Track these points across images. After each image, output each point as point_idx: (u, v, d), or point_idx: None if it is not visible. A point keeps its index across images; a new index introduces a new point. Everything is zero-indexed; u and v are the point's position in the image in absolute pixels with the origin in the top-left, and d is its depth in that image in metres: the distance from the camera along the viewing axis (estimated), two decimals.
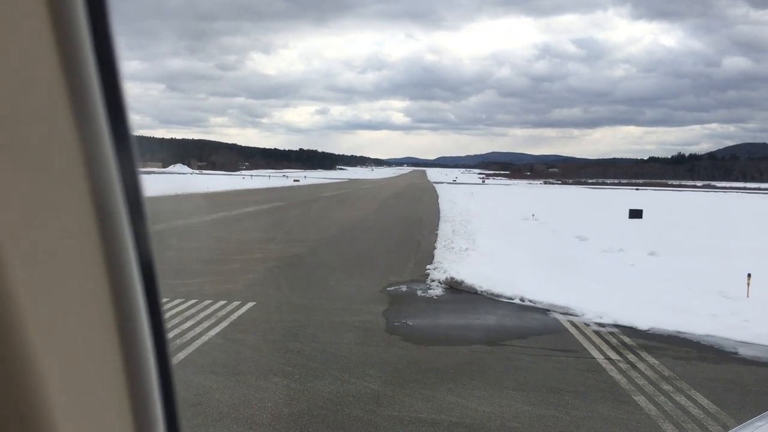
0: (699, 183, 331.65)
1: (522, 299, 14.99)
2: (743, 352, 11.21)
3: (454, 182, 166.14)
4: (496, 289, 15.92)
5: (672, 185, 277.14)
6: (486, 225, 34.24)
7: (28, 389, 0.76)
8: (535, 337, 11.88)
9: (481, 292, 15.96)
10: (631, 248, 24.22)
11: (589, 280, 17.17)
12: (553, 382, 9.28)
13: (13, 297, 0.73)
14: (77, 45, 0.80)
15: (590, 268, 19.44)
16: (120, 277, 0.88)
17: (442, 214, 43.38)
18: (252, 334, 11.46)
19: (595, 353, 10.81)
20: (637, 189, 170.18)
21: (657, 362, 10.35)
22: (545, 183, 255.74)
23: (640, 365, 10.16)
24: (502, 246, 24.48)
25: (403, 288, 16.35)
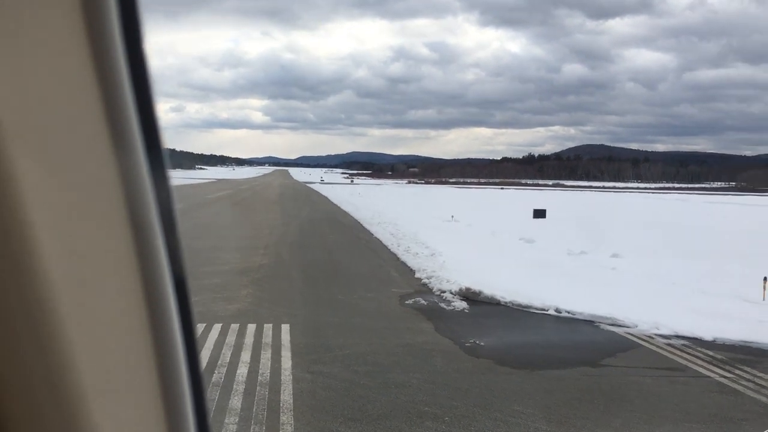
0: (550, 182, 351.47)
1: (558, 310, 14.30)
2: None
3: (322, 182, 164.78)
4: (519, 299, 15.15)
5: (527, 184, 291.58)
6: (417, 227, 33.47)
7: (69, 395, 0.79)
8: (622, 355, 11.18)
9: (505, 303, 15.14)
10: (591, 250, 24.37)
11: (599, 287, 16.82)
12: (710, 408, 8.58)
13: (52, 306, 0.76)
14: (111, 57, 0.81)
15: (581, 274, 19.19)
16: (153, 289, 0.88)
17: (356, 216, 42.26)
18: (329, 365, 9.94)
19: (703, 371, 10.27)
20: (502, 188, 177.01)
21: None
22: (410, 182, 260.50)
23: (761, 381, 9.72)
24: (463, 250, 23.80)
25: (422, 301, 15.21)
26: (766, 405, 8.81)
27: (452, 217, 41.59)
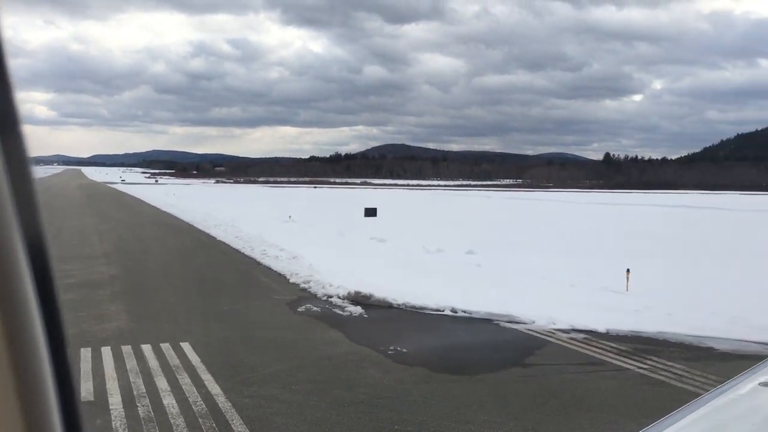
0: (357, 180, 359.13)
1: (454, 310, 14.32)
2: (714, 345, 12.04)
3: (123, 182, 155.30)
4: (412, 300, 15.00)
5: (336, 182, 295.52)
6: (258, 229, 32.36)
7: None
8: (539, 353, 11.35)
9: (398, 305, 14.91)
10: (446, 248, 24.92)
11: (477, 285, 17.13)
12: (655, 401, 8.90)
13: None
14: None
15: (452, 272, 19.49)
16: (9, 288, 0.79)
17: (186, 219, 40.11)
18: (262, 386, 9.06)
19: (621, 364, 10.68)
20: (315, 187, 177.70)
21: (683, 366, 10.57)
22: (218, 182, 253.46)
23: (677, 370, 10.29)
24: (321, 252, 23.27)
25: (314, 308, 14.53)
26: (695, 393, 9.31)
27: (290, 217, 40.83)
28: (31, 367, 0.82)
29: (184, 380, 9.22)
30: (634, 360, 10.88)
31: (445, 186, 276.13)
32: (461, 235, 31.21)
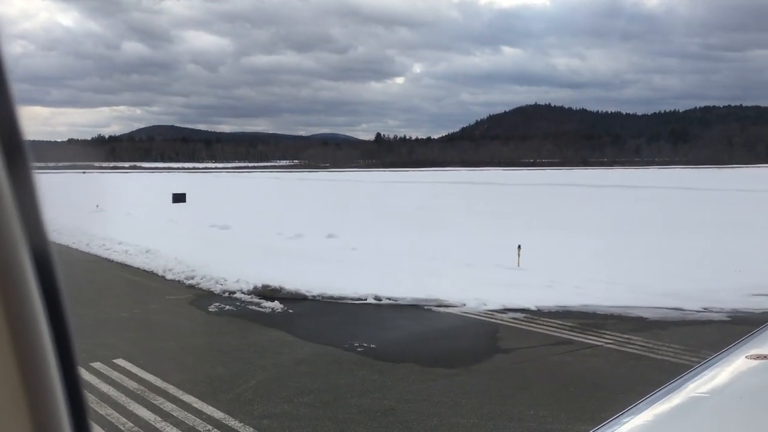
0: (126, 164, 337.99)
1: (377, 298, 13.68)
2: (641, 314, 12.68)
3: None
4: (327, 291, 14.12)
5: (104, 167, 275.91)
6: (71, 220, 28.76)
7: None
8: (503, 336, 11.12)
9: (313, 297, 13.95)
10: (303, 233, 23.99)
11: (376, 270, 16.59)
12: (660, 376, 9.06)
13: None
14: None
15: (333, 257, 18.72)
16: (8, 266, 0.75)
17: None
18: (259, 403, 7.82)
19: (586, 340, 10.80)
20: (84, 172, 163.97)
21: (639, 338, 10.95)
22: None
23: (639, 342, 10.63)
24: (170, 243, 21.13)
25: (227, 307, 13.07)
26: (679, 364, 9.64)
27: (97, 206, 37.02)
28: (37, 364, 0.78)
29: (167, 405, 7.69)
30: (593, 335, 11.08)
31: (224, 168, 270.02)
32: (303, 219, 30.37)
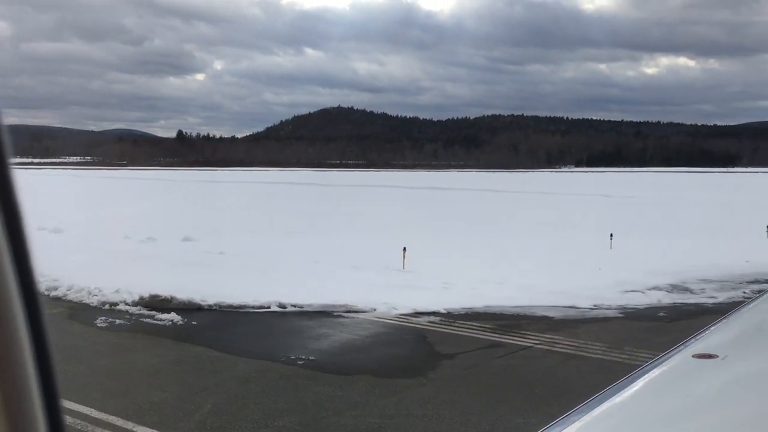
0: None
1: (282, 305, 12.87)
2: (546, 314, 13.06)
3: None
4: (223, 299, 13.05)
5: None
6: None
7: None
8: (433, 342, 10.86)
9: (210, 306, 12.82)
10: (155, 235, 22.14)
11: (262, 275, 15.62)
12: (617, 376, 9.27)
13: None
14: None
15: (204, 262, 17.42)
16: None
17: None
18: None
19: (515, 342, 10.87)
20: None
21: (562, 337, 11.23)
22: None
23: (566, 343, 10.89)
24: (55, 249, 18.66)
25: (117, 321, 11.61)
26: (622, 363, 9.95)
27: None
28: (15, 369, 0.77)
29: None
30: (517, 337, 11.18)
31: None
32: (142, 221, 28.16)
